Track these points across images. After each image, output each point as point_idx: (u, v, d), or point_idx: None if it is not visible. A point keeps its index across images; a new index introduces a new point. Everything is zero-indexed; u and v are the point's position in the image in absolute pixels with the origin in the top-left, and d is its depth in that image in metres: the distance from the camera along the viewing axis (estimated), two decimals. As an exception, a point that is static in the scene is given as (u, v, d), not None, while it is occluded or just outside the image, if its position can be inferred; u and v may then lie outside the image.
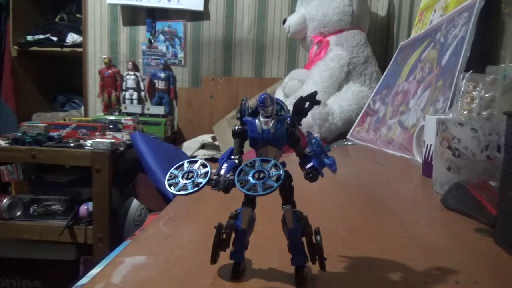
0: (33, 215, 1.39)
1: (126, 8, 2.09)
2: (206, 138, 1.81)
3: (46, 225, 1.36)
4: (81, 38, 2.12)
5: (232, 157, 0.29)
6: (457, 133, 0.53)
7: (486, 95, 0.56)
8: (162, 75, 2.06)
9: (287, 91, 1.50)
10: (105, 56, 2.08)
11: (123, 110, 1.96)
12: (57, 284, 1.42)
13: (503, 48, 0.82)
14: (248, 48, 2.04)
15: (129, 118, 1.75)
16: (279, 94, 1.55)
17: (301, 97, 0.29)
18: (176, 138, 2.06)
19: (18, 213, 1.40)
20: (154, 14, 2.08)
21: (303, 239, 0.29)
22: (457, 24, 0.90)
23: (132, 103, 2.09)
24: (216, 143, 1.76)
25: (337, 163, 0.28)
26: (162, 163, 1.31)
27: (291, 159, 0.30)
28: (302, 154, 0.29)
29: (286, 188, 0.28)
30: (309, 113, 0.30)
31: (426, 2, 1.23)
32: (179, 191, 0.27)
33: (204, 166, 0.28)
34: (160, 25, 2.08)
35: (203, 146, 1.78)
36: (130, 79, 2.08)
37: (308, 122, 1.27)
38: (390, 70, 1.33)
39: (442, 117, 0.61)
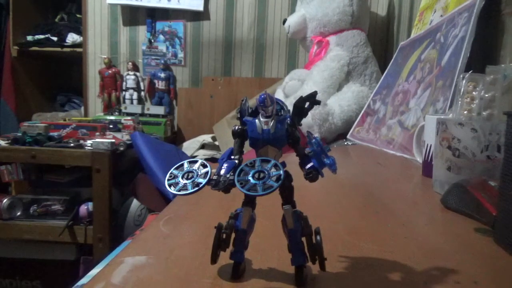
0: (33, 215, 1.39)
1: (126, 8, 2.09)
2: (206, 138, 1.81)
3: (46, 225, 1.36)
4: (81, 38, 2.12)
5: (232, 157, 0.29)
6: (457, 133, 0.53)
7: (486, 95, 0.56)
8: (162, 75, 2.06)
9: (287, 91, 1.50)
10: (105, 56, 2.08)
11: (123, 110, 1.96)
12: (57, 284, 1.42)
13: (503, 48, 0.82)
14: (248, 48, 2.04)
15: (129, 118, 1.75)
16: (279, 94, 1.55)
17: (301, 97, 0.29)
18: (176, 138, 2.06)
19: (18, 213, 1.40)
20: (154, 14, 2.08)
21: (303, 239, 0.29)
22: (457, 24, 0.89)
23: (132, 103, 2.09)
24: (216, 143, 1.76)
25: (337, 163, 0.28)
26: (162, 163, 1.31)
27: (291, 159, 0.30)
28: (302, 154, 0.29)
29: (286, 188, 0.28)
30: (309, 113, 0.30)
31: (426, 2, 1.23)
32: (179, 191, 0.27)
33: (204, 166, 0.28)
34: (160, 25, 2.08)
35: (203, 146, 1.78)
36: (130, 79, 2.08)
37: (308, 122, 1.27)
38: (390, 70, 1.33)
39: (442, 117, 0.61)
